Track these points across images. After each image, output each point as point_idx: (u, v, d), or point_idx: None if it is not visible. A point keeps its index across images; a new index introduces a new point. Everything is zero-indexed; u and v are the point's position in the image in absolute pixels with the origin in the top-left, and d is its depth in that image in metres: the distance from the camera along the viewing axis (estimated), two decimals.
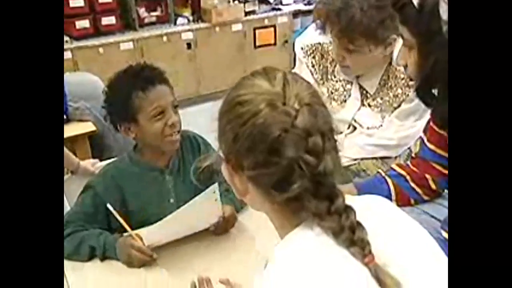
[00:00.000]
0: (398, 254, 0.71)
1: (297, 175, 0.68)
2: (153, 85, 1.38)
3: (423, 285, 0.70)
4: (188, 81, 4.37)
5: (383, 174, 1.37)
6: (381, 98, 1.68)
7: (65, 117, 2.42)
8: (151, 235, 1.32)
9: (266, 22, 4.55)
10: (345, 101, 1.74)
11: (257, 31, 4.53)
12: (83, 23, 3.91)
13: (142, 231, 1.34)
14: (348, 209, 0.70)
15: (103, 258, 1.35)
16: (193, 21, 4.37)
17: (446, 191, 1.35)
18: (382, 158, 1.69)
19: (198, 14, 4.40)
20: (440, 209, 1.33)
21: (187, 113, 4.48)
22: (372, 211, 0.78)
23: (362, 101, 1.71)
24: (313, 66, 1.76)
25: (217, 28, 4.35)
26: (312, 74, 1.76)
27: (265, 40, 4.56)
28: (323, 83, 1.76)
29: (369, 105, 1.70)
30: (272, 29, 4.56)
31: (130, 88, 1.37)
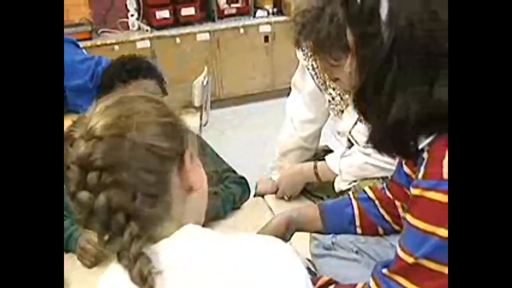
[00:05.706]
0: None
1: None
2: (135, 78, 1.40)
3: None
4: (263, 75, 4.34)
5: (351, 196, 1.22)
6: None
7: None
8: None
9: None
10: (342, 111, 1.57)
11: None
12: (163, 13, 4.02)
13: None
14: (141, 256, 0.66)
15: (66, 251, 1.36)
16: (273, 14, 4.31)
17: None
18: (382, 177, 1.50)
19: (279, 7, 4.34)
20: None
21: (262, 107, 4.42)
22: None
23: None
24: (313, 69, 1.62)
25: None
26: (313, 79, 1.63)
27: None
28: (325, 88, 1.62)
29: None
30: None
31: (113, 79, 1.41)
